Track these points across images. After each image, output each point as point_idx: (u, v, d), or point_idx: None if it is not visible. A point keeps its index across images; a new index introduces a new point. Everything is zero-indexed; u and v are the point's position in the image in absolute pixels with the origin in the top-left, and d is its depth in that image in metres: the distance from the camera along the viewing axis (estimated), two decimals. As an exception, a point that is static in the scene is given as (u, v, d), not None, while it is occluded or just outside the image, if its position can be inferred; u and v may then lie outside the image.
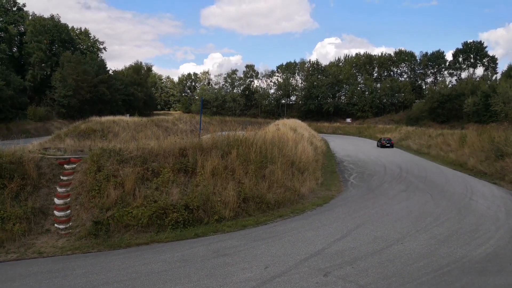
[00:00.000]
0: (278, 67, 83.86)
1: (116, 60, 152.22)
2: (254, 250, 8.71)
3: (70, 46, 58.87)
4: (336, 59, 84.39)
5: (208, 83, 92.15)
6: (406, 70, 78.44)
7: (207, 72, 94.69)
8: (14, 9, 56.75)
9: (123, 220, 10.00)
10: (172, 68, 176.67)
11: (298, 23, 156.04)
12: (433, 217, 11.57)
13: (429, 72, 75.97)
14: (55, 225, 10.12)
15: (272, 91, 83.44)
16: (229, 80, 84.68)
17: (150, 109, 75.76)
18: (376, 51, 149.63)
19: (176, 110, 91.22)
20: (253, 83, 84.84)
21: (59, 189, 10.91)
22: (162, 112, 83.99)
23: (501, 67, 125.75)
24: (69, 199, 10.76)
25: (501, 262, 8.02)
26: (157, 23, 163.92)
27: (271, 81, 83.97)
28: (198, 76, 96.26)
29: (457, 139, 27.02)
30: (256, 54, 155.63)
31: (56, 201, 10.66)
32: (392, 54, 77.76)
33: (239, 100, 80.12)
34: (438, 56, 73.20)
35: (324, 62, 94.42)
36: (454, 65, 72.30)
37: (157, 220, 10.14)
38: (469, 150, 23.27)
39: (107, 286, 6.99)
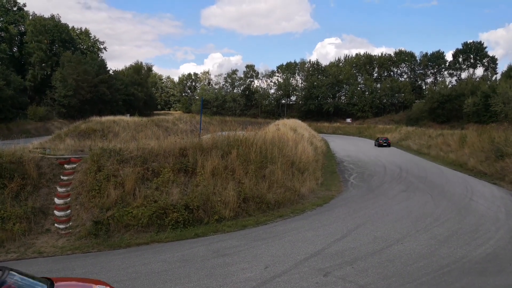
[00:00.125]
0: (278, 67, 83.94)
1: (116, 60, 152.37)
2: (254, 250, 8.71)
3: (71, 46, 58.91)
4: (336, 59, 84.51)
5: (208, 83, 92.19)
6: (406, 70, 78.48)
7: (207, 72, 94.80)
8: (15, 9, 56.78)
9: (123, 220, 10.00)
10: (173, 68, 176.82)
11: (298, 23, 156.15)
12: (433, 217, 11.57)
13: (429, 72, 76.00)
14: (55, 225, 10.13)
15: (272, 91, 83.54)
16: (229, 80, 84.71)
17: (151, 109, 75.78)
18: (376, 51, 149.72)
19: (176, 110, 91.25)
20: (253, 83, 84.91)
21: (59, 189, 10.92)
22: (162, 112, 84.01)
23: (501, 67, 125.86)
24: (69, 199, 10.76)
25: (501, 263, 8.02)
26: (157, 23, 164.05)
27: (271, 81, 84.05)
28: (198, 76, 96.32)
29: (457, 140, 27.01)
30: (256, 54, 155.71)
31: (56, 200, 10.67)
32: (392, 54, 77.85)
33: (239, 100, 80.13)
34: (438, 57, 73.22)
35: (324, 62, 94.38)
36: (454, 66, 72.32)
37: (157, 220, 10.15)
38: (469, 151, 23.27)
39: (107, 286, 6.99)
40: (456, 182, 17.53)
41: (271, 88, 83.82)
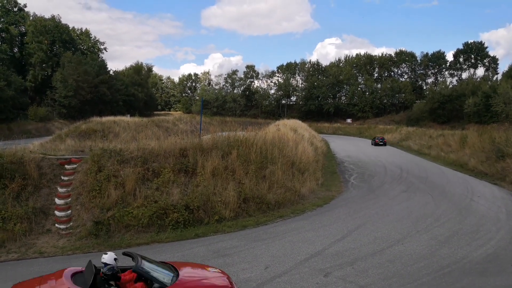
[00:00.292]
0: (278, 68, 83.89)
1: (116, 61, 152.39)
2: (254, 251, 8.72)
3: (71, 47, 58.98)
4: (337, 59, 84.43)
5: (209, 83, 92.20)
6: (407, 71, 78.40)
7: (208, 73, 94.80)
8: (15, 9, 56.86)
9: (124, 220, 10.01)
10: (173, 68, 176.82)
11: (298, 23, 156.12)
12: (433, 218, 11.57)
13: (430, 72, 75.93)
14: (56, 225, 10.14)
15: (272, 91, 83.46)
16: (230, 81, 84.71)
17: (151, 109, 75.80)
18: (377, 51, 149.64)
19: (176, 111, 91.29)
20: (253, 83, 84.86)
21: (60, 189, 10.93)
22: (162, 112, 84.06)
23: (502, 67, 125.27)
24: (69, 199, 10.77)
25: (501, 263, 8.02)
26: (157, 23, 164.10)
27: (271, 82, 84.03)
28: (198, 76, 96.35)
29: (458, 140, 27.00)
30: (257, 54, 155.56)
31: (57, 201, 10.68)
32: (393, 54, 77.77)
33: (239, 101, 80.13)
34: (438, 57, 73.17)
35: (325, 62, 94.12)
36: (455, 66, 72.26)
37: (157, 220, 10.16)
38: (470, 151, 23.25)
39: (108, 286, 6.99)
40: (456, 183, 17.51)
41: (271, 89, 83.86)
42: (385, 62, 77.13)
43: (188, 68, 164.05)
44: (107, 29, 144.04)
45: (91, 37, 68.10)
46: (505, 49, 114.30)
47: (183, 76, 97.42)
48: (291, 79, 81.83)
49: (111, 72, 63.25)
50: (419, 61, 75.38)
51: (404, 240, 9.45)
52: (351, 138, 51.74)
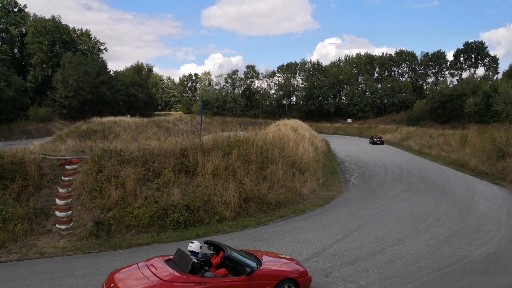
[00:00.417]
0: (278, 68, 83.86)
1: (117, 61, 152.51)
2: (255, 251, 8.71)
3: (71, 47, 59.01)
4: (337, 59, 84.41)
5: (209, 83, 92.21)
6: (407, 70, 78.36)
7: (208, 73, 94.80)
8: (15, 10, 56.91)
9: (124, 220, 10.01)
10: (173, 68, 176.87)
11: (298, 23, 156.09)
12: (434, 217, 11.56)
13: (430, 72, 75.90)
14: (57, 225, 10.14)
15: (272, 91, 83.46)
16: (230, 81, 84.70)
17: (151, 109, 75.81)
18: (377, 51, 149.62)
19: (177, 111, 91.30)
20: (253, 83, 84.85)
21: (60, 190, 10.94)
22: (163, 112, 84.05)
23: (502, 67, 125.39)
24: (70, 199, 10.78)
25: (502, 263, 8.01)
26: (158, 23, 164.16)
27: (271, 82, 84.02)
28: (199, 76, 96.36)
29: (458, 140, 26.98)
30: (257, 54, 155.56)
31: (58, 201, 10.69)
32: (393, 54, 77.76)
33: (239, 101, 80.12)
34: (439, 56, 73.12)
35: (325, 62, 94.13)
36: (455, 65, 72.22)
37: (158, 220, 10.16)
38: (471, 151, 23.24)
39: (109, 286, 6.99)
40: (457, 182, 17.51)
41: (271, 89, 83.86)
42: (385, 62, 77.09)
43: (189, 68, 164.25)
44: (107, 29, 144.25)
45: (92, 38, 68.15)
46: (505, 48, 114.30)
47: (184, 76, 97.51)
48: (292, 79, 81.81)
49: (111, 73, 63.30)
50: (419, 60, 75.35)
51: (404, 239, 9.45)
52: (351, 138, 51.73)
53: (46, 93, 50.92)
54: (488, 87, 47.73)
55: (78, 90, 49.18)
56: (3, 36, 53.38)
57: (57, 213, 10.39)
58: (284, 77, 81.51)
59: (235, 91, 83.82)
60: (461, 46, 70.86)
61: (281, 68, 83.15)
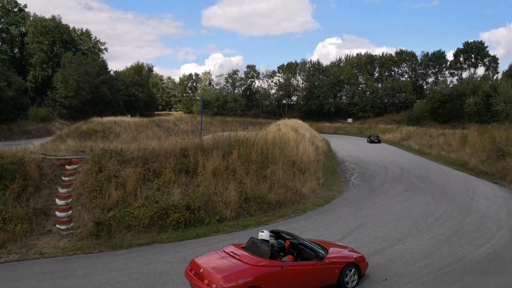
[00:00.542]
0: (279, 67, 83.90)
1: (117, 61, 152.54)
2: (255, 250, 8.71)
3: (71, 47, 59.01)
4: (337, 59, 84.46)
5: (209, 83, 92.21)
6: (407, 70, 78.38)
7: (208, 73, 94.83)
8: (15, 10, 56.91)
9: (125, 220, 10.01)
10: (173, 68, 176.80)
11: (299, 23, 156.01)
12: (434, 217, 11.56)
13: (430, 72, 75.92)
14: (57, 225, 10.14)
15: (273, 91, 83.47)
16: (230, 81, 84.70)
17: (151, 109, 75.80)
18: (377, 51, 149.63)
19: (177, 111, 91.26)
20: (254, 83, 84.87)
21: (60, 190, 10.94)
22: (163, 112, 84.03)
23: (502, 66, 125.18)
24: (70, 199, 10.78)
25: (502, 262, 8.01)
26: (158, 23, 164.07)
27: (272, 82, 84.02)
28: (199, 76, 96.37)
29: (458, 139, 26.98)
30: (257, 54, 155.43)
31: (58, 201, 10.69)
32: (393, 54, 77.79)
33: (240, 101, 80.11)
34: (439, 56, 73.12)
35: (325, 62, 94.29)
36: (455, 65, 72.22)
37: (158, 220, 10.16)
38: (471, 150, 23.24)
39: (109, 286, 7.00)
40: (457, 182, 17.50)
41: (272, 88, 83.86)
42: (385, 61, 77.08)
43: (189, 68, 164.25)
44: (107, 29, 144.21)
45: (92, 38, 68.16)
46: (505, 48, 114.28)
47: (184, 76, 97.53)
48: (292, 79, 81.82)
49: (111, 73, 63.35)
50: (419, 60, 75.36)
51: (405, 239, 9.45)
52: (352, 138, 51.73)
53: (46, 93, 50.94)
54: (488, 87, 47.74)
55: (78, 90, 49.19)
56: (3, 36, 53.39)
57: (57, 213, 10.40)
58: (285, 77, 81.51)
59: (236, 91, 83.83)
60: (461, 46, 71.04)
61: (281, 68, 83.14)
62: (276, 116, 71.16)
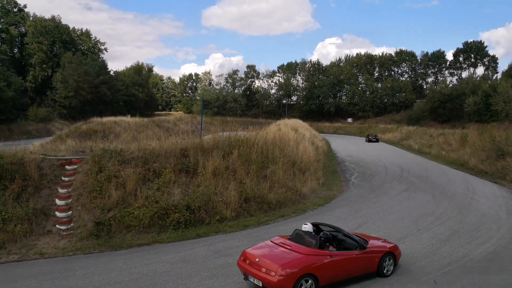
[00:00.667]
0: (279, 67, 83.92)
1: (117, 61, 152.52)
2: (256, 250, 8.70)
3: (71, 47, 58.98)
4: (337, 59, 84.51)
5: (209, 83, 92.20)
6: (407, 70, 78.42)
7: (208, 73, 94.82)
8: (15, 10, 56.88)
9: (125, 220, 10.01)
10: (173, 68, 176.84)
11: (299, 23, 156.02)
12: (434, 216, 11.57)
13: (430, 71, 75.95)
14: (57, 226, 10.14)
15: (273, 91, 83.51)
16: (230, 81, 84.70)
17: (151, 109, 75.79)
18: (377, 51, 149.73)
19: (177, 111, 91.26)
20: (254, 83, 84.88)
21: (60, 190, 10.93)
22: (163, 112, 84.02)
23: (502, 66, 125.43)
24: (70, 200, 10.77)
25: (502, 261, 8.02)
26: (158, 23, 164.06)
27: (272, 81, 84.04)
28: (199, 76, 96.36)
29: (458, 139, 26.99)
30: (257, 54, 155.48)
31: (58, 202, 10.68)
32: (393, 54, 77.82)
33: (240, 101, 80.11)
34: (438, 56, 73.14)
35: (325, 62, 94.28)
36: (455, 65, 72.25)
37: (158, 220, 10.16)
38: (470, 150, 23.25)
39: (109, 286, 7.00)
40: (457, 181, 17.51)
41: (272, 88, 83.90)
42: (385, 61, 77.11)
43: (189, 68, 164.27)
44: (107, 29, 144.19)
45: (92, 38, 68.13)
46: (504, 48, 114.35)
47: (184, 76, 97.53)
48: (292, 79, 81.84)
49: (111, 73, 63.33)
50: (419, 60, 75.39)
51: (405, 239, 9.45)
52: (352, 138, 51.74)
53: (46, 93, 50.90)
54: (487, 86, 47.77)
55: (78, 90, 49.16)
56: (3, 36, 53.37)
57: (57, 214, 10.39)
58: (285, 77, 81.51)
59: (236, 91, 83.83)
60: (461, 46, 71.08)
61: (281, 68, 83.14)
62: (276, 116, 71.17)
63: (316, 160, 19.47)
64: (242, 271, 6.64)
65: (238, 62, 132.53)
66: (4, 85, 37.85)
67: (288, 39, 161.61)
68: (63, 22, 59.83)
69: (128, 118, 34.90)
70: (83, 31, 67.59)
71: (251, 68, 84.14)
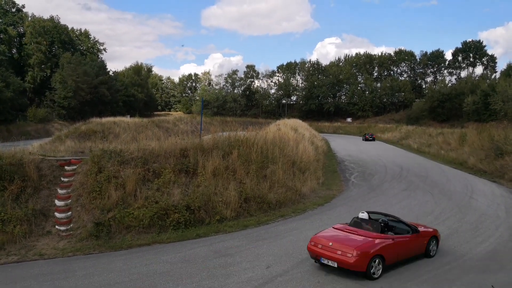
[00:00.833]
0: (278, 67, 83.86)
1: (116, 61, 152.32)
2: (256, 250, 8.72)
3: (70, 47, 58.88)
4: (337, 59, 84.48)
5: (209, 83, 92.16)
6: (406, 70, 78.45)
7: (208, 73, 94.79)
8: (13, 10, 56.75)
9: (125, 221, 10.00)
10: (173, 68, 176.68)
11: (298, 23, 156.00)
12: (433, 215, 11.59)
13: (429, 71, 76.01)
14: (56, 226, 10.13)
15: (272, 91, 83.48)
16: (230, 81, 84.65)
17: (151, 110, 75.75)
18: (377, 50, 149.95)
19: (176, 111, 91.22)
20: (253, 83, 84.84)
21: (59, 191, 10.92)
22: (162, 113, 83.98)
23: (500, 66, 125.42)
24: (70, 200, 10.76)
25: (501, 260, 8.04)
26: (157, 23, 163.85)
27: (271, 81, 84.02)
28: (198, 76, 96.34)
29: (457, 138, 27.02)
30: (257, 54, 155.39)
31: (57, 202, 10.67)
32: (392, 53, 77.82)
33: (239, 101, 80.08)
34: (437, 55, 73.20)
35: (325, 62, 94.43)
36: (454, 64, 72.31)
37: (158, 221, 10.15)
38: (469, 149, 23.27)
39: (109, 287, 7.00)
40: (456, 181, 17.54)
41: (271, 88, 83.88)
42: (384, 61, 77.15)
43: (188, 68, 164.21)
44: (106, 29, 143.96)
45: (91, 38, 68.02)
46: (503, 47, 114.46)
47: (183, 76, 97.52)
48: (291, 78, 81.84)
49: (110, 73, 63.25)
50: (418, 60, 75.44)
51: (404, 238, 9.45)
52: (351, 137, 51.78)
53: (45, 93, 50.79)
54: (486, 86, 47.84)
55: (77, 91, 49.08)
56: (1, 36, 53.24)
57: (57, 214, 10.38)
58: (284, 76, 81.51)
59: (235, 91, 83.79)
60: (460, 45, 71.10)
61: (281, 68, 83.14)
62: (275, 116, 71.17)
63: (315, 160, 19.48)
64: (313, 255, 7.42)
65: (238, 62, 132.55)
66: (2, 86, 37.79)
67: (288, 39, 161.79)
68: (62, 22, 59.79)
69: (127, 119, 34.85)
70: (82, 31, 67.52)
71: (250, 68, 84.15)
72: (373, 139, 44.53)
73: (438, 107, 55.81)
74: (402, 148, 34.36)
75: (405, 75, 78.10)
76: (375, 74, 79.49)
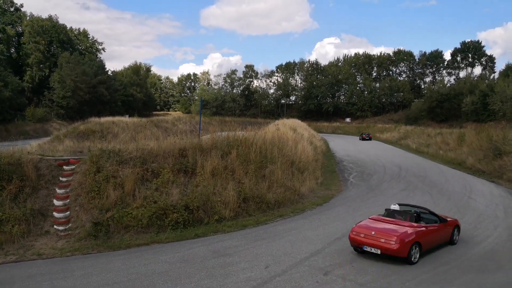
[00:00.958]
0: (277, 67, 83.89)
1: (115, 61, 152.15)
2: (255, 250, 8.72)
3: (69, 47, 58.75)
4: (336, 59, 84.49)
5: (208, 83, 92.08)
6: (405, 70, 78.55)
7: (207, 73, 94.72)
8: (12, 9, 56.58)
9: (123, 221, 9.98)
10: (172, 68, 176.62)
11: (297, 23, 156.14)
12: (432, 216, 11.59)
13: (428, 71, 76.13)
14: (55, 226, 10.11)
15: (271, 91, 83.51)
16: (229, 80, 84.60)
17: (150, 109, 75.65)
18: (375, 50, 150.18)
19: (175, 111, 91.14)
20: (252, 83, 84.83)
21: (58, 191, 10.90)
22: (161, 112, 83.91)
23: (499, 66, 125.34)
24: (68, 200, 10.74)
25: (500, 260, 8.06)
26: (156, 23, 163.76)
27: (270, 81, 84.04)
28: (197, 76, 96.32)
29: (456, 138, 27.07)
30: (256, 54, 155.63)
31: (55, 202, 10.65)
32: (391, 53, 77.94)
33: (238, 100, 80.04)
34: (436, 56, 73.31)
35: (324, 62, 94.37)
36: (453, 65, 72.46)
37: (157, 220, 10.14)
38: (468, 149, 23.32)
39: (107, 287, 6.98)
40: (455, 181, 17.57)
41: (270, 88, 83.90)
42: (383, 61, 77.24)
43: (187, 68, 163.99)
44: (105, 29, 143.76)
45: (89, 37, 67.87)
46: (502, 48, 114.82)
47: (182, 76, 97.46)
48: (290, 78, 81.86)
49: (109, 73, 63.16)
50: (417, 60, 75.55)
51: (403, 238, 9.46)
52: (350, 137, 51.81)
53: (43, 93, 50.65)
54: (485, 86, 47.94)
55: (75, 90, 48.96)
56: (0, 36, 53.07)
57: (55, 214, 10.36)
58: (283, 76, 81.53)
59: (234, 91, 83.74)
60: (458, 46, 71.27)
61: (280, 68, 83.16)
62: (274, 116, 71.18)
63: (314, 160, 19.49)
64: (355, 243, 8.07)
65: (237, 62, 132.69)
66: (1, 85, 37.66)
67: (287, 39, 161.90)
68: (60, 21, 59.62)
69: (126, 118, 34.75)
70: (81, 30, 67.34)
71: (249, 68, 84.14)
72: (370, 139, 45.38)
73: (436, 107, 55.91)
74: (400, 148, 34.40)
75: (404, 75, 78.24)
76: (374, 74, 79.57)
